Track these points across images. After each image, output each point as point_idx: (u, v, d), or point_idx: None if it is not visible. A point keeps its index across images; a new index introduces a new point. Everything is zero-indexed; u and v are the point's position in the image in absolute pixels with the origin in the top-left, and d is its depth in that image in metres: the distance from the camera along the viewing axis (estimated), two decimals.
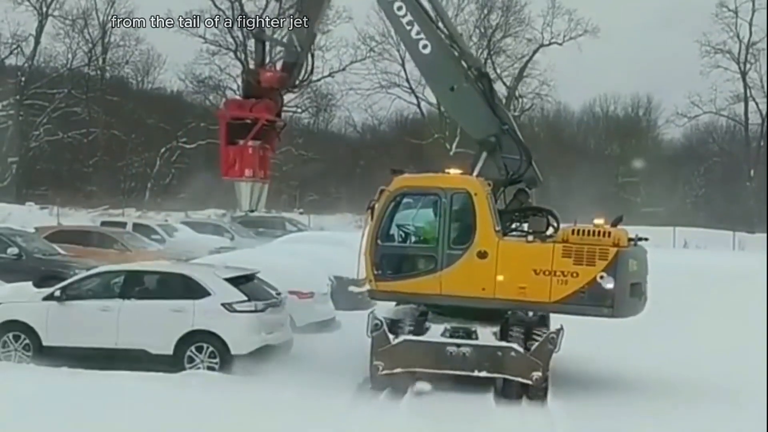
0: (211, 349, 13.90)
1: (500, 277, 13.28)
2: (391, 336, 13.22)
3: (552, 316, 14.13)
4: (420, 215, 13.99)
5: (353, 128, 70.49)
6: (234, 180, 15.75)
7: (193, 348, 13.96)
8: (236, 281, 14.36)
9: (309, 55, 15.81)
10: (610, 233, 13.34)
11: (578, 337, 13.72)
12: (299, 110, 64.03)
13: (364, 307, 18.62)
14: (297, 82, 16.11)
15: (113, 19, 63.59)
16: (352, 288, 20.35)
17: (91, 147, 62.06)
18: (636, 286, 13.49)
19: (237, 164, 15.50)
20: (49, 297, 14.62)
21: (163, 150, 63.56)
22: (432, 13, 15.05)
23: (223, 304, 13.93)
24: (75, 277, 15.41)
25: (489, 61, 63.51)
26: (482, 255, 13.36)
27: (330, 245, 22.70)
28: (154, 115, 63.15)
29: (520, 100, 65.81)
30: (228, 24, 63.54)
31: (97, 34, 64.53)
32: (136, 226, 29.85)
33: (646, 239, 14.03)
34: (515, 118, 67.86)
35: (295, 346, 15.42)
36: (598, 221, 13.56)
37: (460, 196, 13.56)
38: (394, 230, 13.93)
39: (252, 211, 16.74)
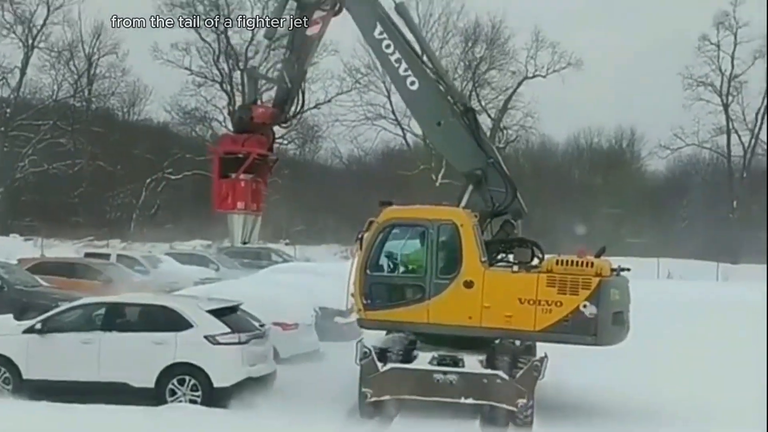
0: (193, 381, 13.81)
1: (486, 306, 13.59)
2: (379, 364, 13.55)
3: (538, 344, 14.44)
4: (408, 246, 14.29)
5: (339, 159, 70.65)
6: (227, 213, 15.96)
7: (175, 381, 13.86)
8: (219, 313, 14.31)
9: (299, 91, 16.10)
10: (592, 263, 13.67)
11: (565, 366, 14.11)
12: (285, 142, 64.09)
13: (350, 338, 18.63)
14: (288, 117, 16.43)
15: (99, 51, 63.74)
16: (337, 319, 20.45)
17: (76, 178, 61.92)
18: (618, 315, 13.77)
19: (230, 197, 15.72)
20: (30, 329, 14.52)
21: (148, 181, 63.31)
22: (419, 50, 15.42)
23: (205, 337, 13.86)
24: (56, 310, 15.30)
25: (474, 93, 63.85)
26: (469, 284, 13.67)
27: (315, 276, 22.60)
28: (140, 146, 63.06)
29: (505, 131, 66.06)
30: (214, 56, 63.75)
31: (83, 65, 64.67)
32: (120, 258, 29.74)
33: (628, 269, 14.28)
34: (500, 149, 68.25)
35: (280, 377, 15.32)
36: (582, 252, 13.89)
37: (447, 227, 13.91)
38: (382, 260, 14.22)
39: (245, 243, 16.77)
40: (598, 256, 14.00)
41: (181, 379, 13.87)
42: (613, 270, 13.89)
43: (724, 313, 24.96)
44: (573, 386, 15.45)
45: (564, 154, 72.60)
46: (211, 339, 13.85)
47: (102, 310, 14.64)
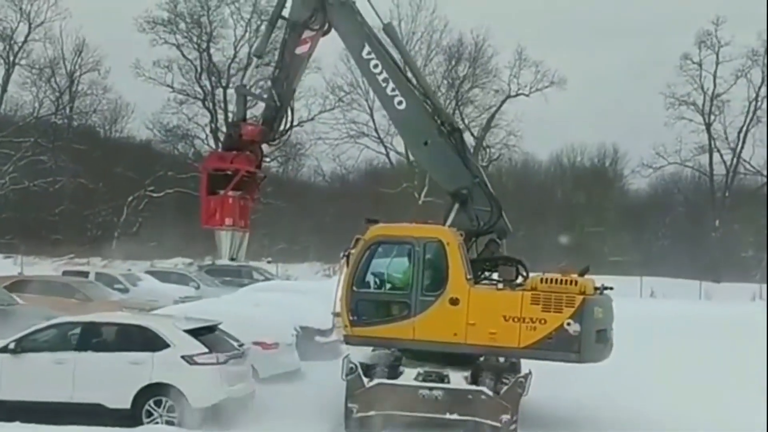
0: (170, 402, 13.54)
1: (472, 323, 13.74)
2: (365, 379, 13.75)
3: (523, 361, 14.62)
4: (394, 263, 14.47)
5: (322, 177, 70.48)
6: (214, 229, 16.15)
7: (151, 402, 13.58)
8: (197, 332, 14.05)
9: (288, 110, 16.38)
10: (576, 282, 13.84)
11: (550, 383, 14.30)
12: (268, 159, 63.68)
13: (331, 358, 18.84)
14: (276, 135, 16.64)
15: (80, 68, 63.50)
16: (318, 338, 20.22)
17: (57, 196, 61.59)
18: (602, 333, 13.93)
19: (217, 214, 15.92)
20: (3, 349, 14.19)
21: (130, 199, 63.03)
22: (406, 70, 15.76)
23: (183, 357, 13.59)
24: (31, 329, 14.90)
25: (457, 111, 63.70)
26: (454, 302, 13.83)
27: (296, 294, 22.29)
28: (122, 163, 62.72)
29: (488, 150, 65.89)
30: (196, 74, 63.59)
31: (64, 82, 64.44)
32: (99, 276, 29.35)
33: (611, 288, 14.42)
34: (483, 168, 68.19)
35: (259, 398, 15.04)
36: (565, 269, 14.18)
37: (433, 245, 14.06)
38: (369, 277, 14.36)
39: (233, 259, 16.94)
40: (582, 274, 14.13)
41: (158, 400, 13.58)
42: (596, 288, 14.04)
43: (709, 331, 24.92)
44: (560, 402, 15.57)
45: (547, 172, 72.79)
46: (189, 359, 13.58)
47: (77, 330, 14.35)
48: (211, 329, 14.49)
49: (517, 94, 64.78)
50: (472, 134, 64.73)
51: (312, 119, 63.54)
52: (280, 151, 63.89)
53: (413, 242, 14.12)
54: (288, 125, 16.58)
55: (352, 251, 14.20)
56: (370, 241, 14.23)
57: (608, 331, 14.13)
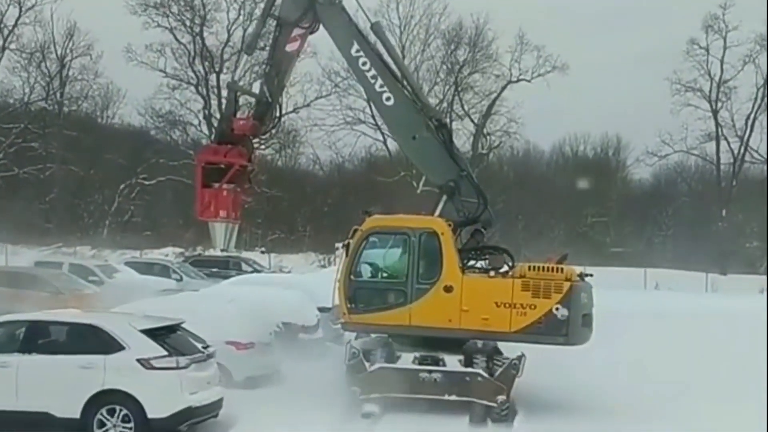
0: (124, 411, 12.25)
1: (465, 309, 14.59)
2: (367, 364, 14.59)
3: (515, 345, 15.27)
4: (390, 253, 15.32)
5: (317, 165, 69.37)
6: (209, 221, 16.75)
7: (104, 411, 12.28)
8: (155, 333, 12.61)
9: (278, 105, 17.24)
10: (562, 269, 14.83)
11: (543, 367, 15.23)
12: (262, 147, 62.44)
13: (316, 357, 18.37)
14: (267, 129, 18.01)
15: (71, 52, 62.36)
16: (302, 336, 19.07)
17: (47, 183, 60.66)
18: (586, 317, 14.90)
19: (212, 206, 16.58)
20: None
21: (122, 186, 62.05)
22: (394, 68, 16.44)
23: (138, 360, 12.20)
24: None
25: (456, 97, 62.70)
26: (448, 289, 14.73)
27: (281, 288, 21.03)
28: (114, 150, 61.58)
29: (488, 137, 65.07)
30: (189, 58, 62.18)
31: (55, 67, 63.18)
32: (73, 267, 27.83)
33: (591, 275, 15.48)
34: (483, 156, 67.40)
35: (231, 404, 13.78)
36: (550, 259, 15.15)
37: (428, 235, 14.92)
38: (366, 267, 15.24)
39: (224, 250, 17.98)
40: (560, 262, 15.06)
41: (111, 409, 12.27)
42: (579, 275, 15.09)
43: (717, 325, 23.58)
44: (555, 386, 16.26)
45: (549, 161, 72.36)
46: (145, 363, 12.19)
47: (22, 329, 12.87)
48: (172, 329, 13.02)
49: (518, 80, 63.71)
50: (472, 121, 64.10)
51: (308, 105, 62.19)
52: (275, 138, 62.81)
53: (409, 232, 14.92)
54: (277, 120, 17.60)
55: (351, 241, 14.86)
56: (366, 232, 15.01)
57: (591, 315, 14.99)
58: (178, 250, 50.66)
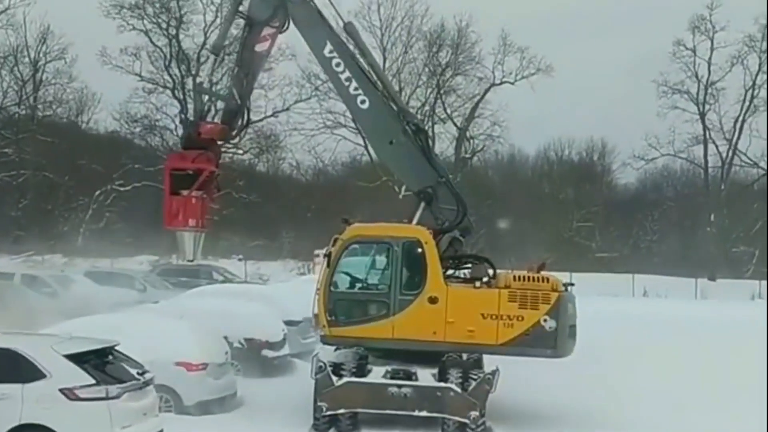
0: None
1: (450, 321, 14.15)
2: (334, 378, 13.97)
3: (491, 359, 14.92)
4: (372, 263, 15.07)
5: (297, 170, 68.24)
6: (177, 230, 16.08)
7: None
8: (83, 358, 10.97)
9: (247, 107, 16.46)
10: (548, 279, 14.48)
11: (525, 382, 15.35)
12: (241, 151, 61.14)
13: (281, 374, 17.98)
14: (236, 133, 17.10)
15: (45, 56, 61.29)
16: (266, 352, 18.23)
17: (20, 190, 59.55)
18: (572, 328, 14.62)
19: (180, 214, 15.83)
20: None
21: (97, 193, 60.82)
22: (368, 70, 15.92)
23: (61, 390, 10.56)
24: None
25: (439, 100, 61.54)
26: (433, 300, 14.27)
27: (247, 300, 19.77)
28: (88, 156, 60.59)
29: (471, 141, 63.96)
30: (165, 61, 60.78)
31: (28, 72, 62.08)
32: (26, 278, 26.27)
33: (573, 284, 14.93)
34: (467, 159, 66.09)
35: None
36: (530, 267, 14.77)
37: (412, 244, 14.47)
38: (347, 277, 14.83)
39: (191, 260, 16.96)
40: (539, 270, 14.68)
41: None
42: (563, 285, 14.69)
43: (709, 333, 23.44)
44: (531, 399, 16.09)
45: (534, 166, 71.82)
46: (69, 393, 10.58)
47: None
48: (103, 353, 11.42)
49: (501, 82, 62.49)
50: (455, 124, 62.95)
51: (287, 109, 60.87)
52: (252, 141, 61.63)
53: (391, 242, 14.49)
54: (245, 123, 16.68)
55: (332, 250, 14.37)
56: (347, 241, 14.51)
57: (576, 326, 14.71)
58: (153, 258, 49.18)
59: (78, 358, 10.93)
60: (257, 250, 59.80)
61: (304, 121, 61.30)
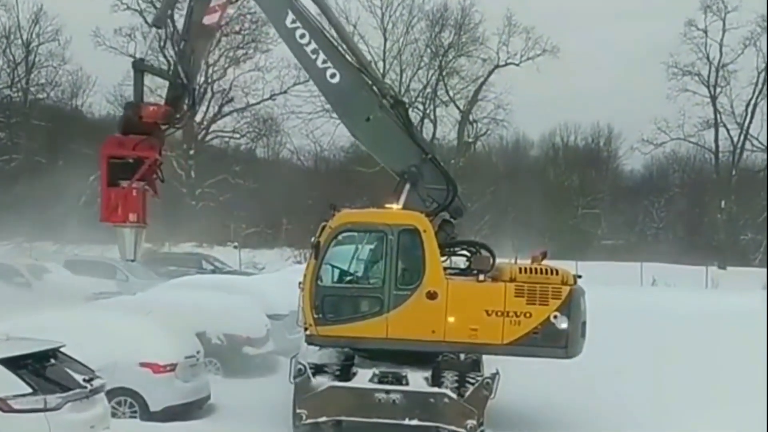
0: None
1: (451, 319, 13.10)
2: (315, 382, 12.95)
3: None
4: (364, 253, 13.90)
5: (295, 155, 67.48)
6: (116, 226, 14.34)
7: None
8: (20, 363, 9.67)
9: (194, 87, 15.01)
10: (557, 270, 13.40)
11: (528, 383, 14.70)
12: (237, 135, 60.02)
13: (263, 374, 16.76)
14: (182, 116, 14.95)
15: (38, 38, 60.81)
16: (247, 350, 17.25)
17: (13, 174, 58.69)
18: (584, 326, 13.60)
19: (120, 208, 14.10)
20: None
21: (92, 178, 59.25)
22: (338, 39, 14.58)
23: None
24: None
25: (441, 82, 60.44)
26: (432, 295, 13.12)
27: (227, 292, 18.61)
28: (82, 140, 59.43)
29: (475, 124, 63.24)
30: (160, 42, 59.36)
31: (20, 53, 61.57)
32: None
33: (581, 277, 13.85)
34: (470, 144, 64.78)
35: None
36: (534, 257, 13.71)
37: (408, 232, 13.29)
38: (336, 270, 13.68)
39: (132, 260, 15.28)
40: (542, 259, 13.67)
41: None
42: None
43: (721, 324, 22.39)
44: (532, 404, 15.16)
45: (539, 152, 71.19)
46: (1, 404, 9.32)
47: None
48: (44, 356, 10.05)
49: (506, 63, 61.75)
50: (458, 107, 62.35)
51: (285, 92, 60.00)
52: (249, 125, 60.62)
53: (385, 230, 13.28)
54: (192, 105, 15.19)
55: (319, 240, 13.22)
56: (336, 229, 13.33)
57: (586, 323, 13.69)
58: (147, 244, 47.96)
59: (13, 363, 9.68)
60: (254, 238, 58.82)
61: (301, 104, 60.34)
